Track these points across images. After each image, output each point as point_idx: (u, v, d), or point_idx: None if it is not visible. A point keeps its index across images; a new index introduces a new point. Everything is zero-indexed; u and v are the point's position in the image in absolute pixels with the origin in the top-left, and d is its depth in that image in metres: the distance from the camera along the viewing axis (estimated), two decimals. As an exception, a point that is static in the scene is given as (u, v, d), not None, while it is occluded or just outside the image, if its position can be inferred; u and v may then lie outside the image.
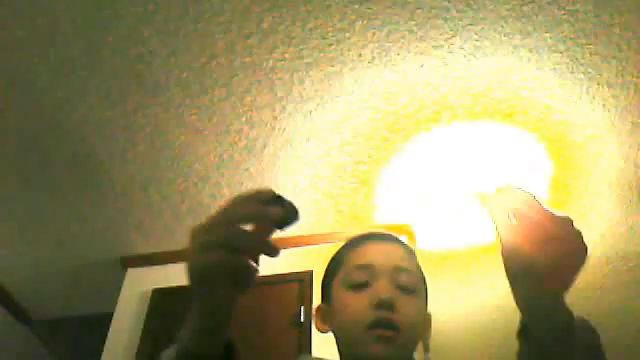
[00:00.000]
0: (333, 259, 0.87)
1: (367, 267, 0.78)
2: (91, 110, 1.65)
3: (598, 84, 1.58)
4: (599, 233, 2.06)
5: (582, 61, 1.52)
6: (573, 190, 1.90)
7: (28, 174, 1.85)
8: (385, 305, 0.73)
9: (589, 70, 1.54)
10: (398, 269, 0.77)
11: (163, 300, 2.01)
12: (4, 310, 2.34)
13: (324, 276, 0.86)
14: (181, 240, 2.13)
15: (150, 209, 1.98)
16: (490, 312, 2.47)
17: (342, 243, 0.88)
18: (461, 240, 2.13)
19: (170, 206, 1.97)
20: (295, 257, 2.05)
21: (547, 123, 1.68)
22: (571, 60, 1.52)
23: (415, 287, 0.78)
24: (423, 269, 0.84)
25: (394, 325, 0.72)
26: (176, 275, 2.11)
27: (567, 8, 1.40)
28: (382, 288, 0.74)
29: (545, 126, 1.69)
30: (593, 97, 1.61)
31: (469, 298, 2.44)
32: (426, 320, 0.81)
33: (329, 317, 0.81)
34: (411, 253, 0.83)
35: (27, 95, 1.60)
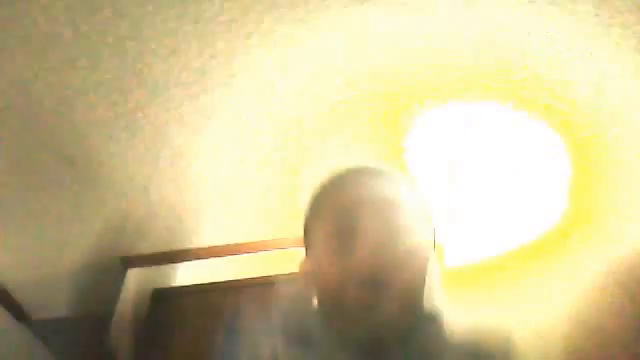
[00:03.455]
0: (311, 202, 0.75)
1: (346, 222, 0.64)
2: (91, 110, 1.65)
3: (598, 84, 1.58)
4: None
5: (582, 61, 1.52)
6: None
7: (28, 174, 1.85)
8: (370, 284, 0.58)
9: (589, 70, 1.54)
10: (387, 216, 0.63)
11: (163, 300, 2.01)
12: (4, 310, 2.34)
13: (304, 222, 0.74)
14: (181, 240, 2.13)
15: (150, 209, 1.98)
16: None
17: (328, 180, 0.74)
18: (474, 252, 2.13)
19: (170, 206, 1.97)
20: (295, 257, 2.05)
21: (548, 123, 1.68)
22: (571, 60, 1.52)
23: (412, 240, 0.63)
24: (425, 203, 0.70)
25: (382, 303, 0.58)
26: (176, 275, 2.11)
27: (567, 8, 1.40)
28: (363, 256, 0.59)
29: (545, 126, 1.69)
30: (592, 97, 1.61)
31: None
32: (432, 259, 0.67)
33: (310, 275, 0.69)
34: (404, 194, 0.67)
35: (27, 95, 1.60)
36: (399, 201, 0.66)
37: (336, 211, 0.66)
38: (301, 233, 2.03)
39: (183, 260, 2.15)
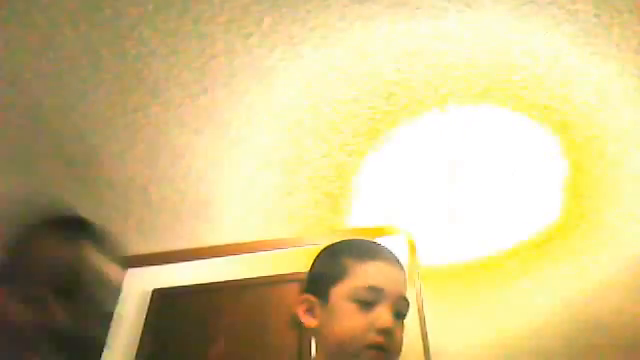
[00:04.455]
0: (333, 261, 0.89)
1: (378, 290, 0.82)
2: (91, 110, 1.65)
3: (598, 84, 1.58)
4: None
5: (582, 61, 1.52)
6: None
7: (27, 174, 1.85)
8: (386, 333, 0.79)
9: (589, 70, 1.54)
10: (401, 297, 0.83)
11: (163, 300, 2.01)
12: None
13: (320, 273, 0.90)
14: (181, 240, 2.13)
15: (150, 209, 1.98)
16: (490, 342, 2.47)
17: (340, 240, 0.91)
18: (464, 252, 2.13)
19: (170, 206, 1.97)
20: (295, 257, 2.05)
21: (547, 123, 1.68)
22: (571, 60, 1.52)
23: (406, 315, 0.85)
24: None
25: (388, 350, 0.79)
26: (176, 275, 2.11)
27: (567, 8, 1.40)
28: (386, 316, 0.80)
29: (544, 127, 1.69)
30: (592, 97, 1.61)
31: (471, 321, 2.43)
32: None
33: (320, 315, 0.85)
34: (406, 277, 0.89)
35: (27, 95, 1.60)
36: (406, 277, 0.88)
37: (365, 282, 0.83)
38: (300, 233, 2.08)
39: (183, 260, 2.15)
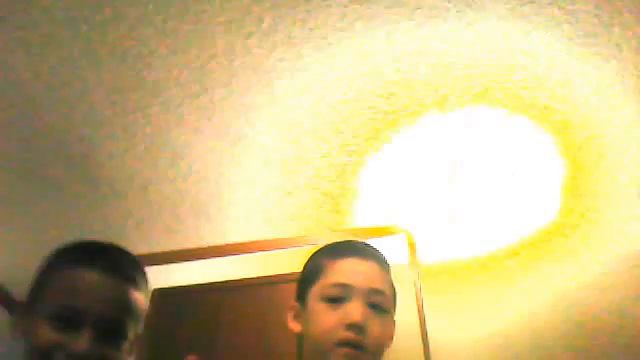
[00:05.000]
0: (311, 264, 0.89)
1: (345, 286, 0.80)
2: (91, 110, 1.65)
3: (598, 84, 1.58)
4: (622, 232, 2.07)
5: (582, 61, 1.52)
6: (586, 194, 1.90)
7: (28, 174, 1.85)
8: (356, 328, 0.76)
9: (589, 70, 1.54)
10: (373, 291, 0.80)
11: (163, 300, 2.01)
12: (4, 310, 2.34)
13: (301, 277, 0.89)
14: (181, 240, 2.13)
15: (150, 209, 1.98)
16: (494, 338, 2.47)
17: (320, 246, 0.91)
18: (465, 249, 2.13)
19: (170, 206, 1.97)
20: (295, 257, 2.05)
21: (547, 123, 1.68)
22: (571, 60, 1.52)
23: (388, 307, 0.82)
24: (394, 284, 0.87)
25: (362, 346, 0.76)
26: (176, 275, 2.11)
27: (567, 8, 1.40)
28: (356, 310, 0.77)
29: (544, 127, 1.69)
30: (592, 97, 1.61)
31: (471, 321, 2.44)
32: (392, 331, 0.84)
33: (301, 319, 0.85)
34: (387, 271, 0.86)
35: (27, 95, 1.60)
36: (384, 270, 0.86)
37: (332, 280, 0.82)
38: (300, 233, 2.10)
39: (183, 260, 2.15)
